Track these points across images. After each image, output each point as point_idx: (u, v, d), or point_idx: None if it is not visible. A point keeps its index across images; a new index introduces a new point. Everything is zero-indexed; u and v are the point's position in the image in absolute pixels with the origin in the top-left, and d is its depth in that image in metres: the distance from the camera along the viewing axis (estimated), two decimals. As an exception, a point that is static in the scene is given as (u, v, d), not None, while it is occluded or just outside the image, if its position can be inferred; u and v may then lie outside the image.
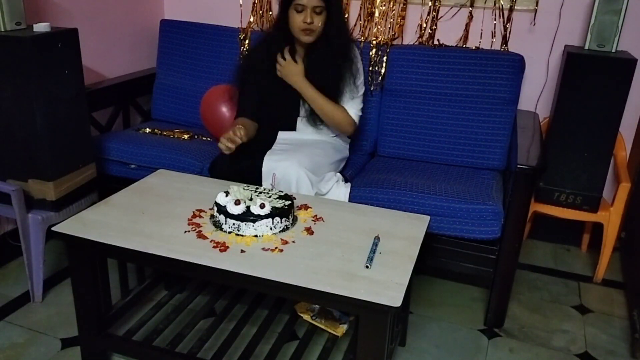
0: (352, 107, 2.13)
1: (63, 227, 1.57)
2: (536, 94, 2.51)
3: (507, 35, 2.44)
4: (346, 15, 2.61)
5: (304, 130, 2.15)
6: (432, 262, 2.04)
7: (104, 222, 1.61)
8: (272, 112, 2.13)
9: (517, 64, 2.28)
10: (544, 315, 2.14)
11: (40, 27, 1.89)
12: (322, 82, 2.06)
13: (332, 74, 2.06)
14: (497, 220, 1.91)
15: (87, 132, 2.11)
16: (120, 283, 1.94)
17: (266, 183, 1.94)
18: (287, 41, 2.05)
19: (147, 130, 2.53)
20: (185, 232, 1.57)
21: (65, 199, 2.03)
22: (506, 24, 2.43)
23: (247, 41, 2.62)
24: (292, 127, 2.15)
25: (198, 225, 1.60)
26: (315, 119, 2.12)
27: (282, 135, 2.13)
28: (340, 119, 2.10)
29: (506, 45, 2.45)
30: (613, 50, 2.18)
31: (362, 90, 2.18)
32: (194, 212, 1.68)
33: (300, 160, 1.92)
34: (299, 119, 2.15)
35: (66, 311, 1.99)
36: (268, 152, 1.99)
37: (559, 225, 2.56)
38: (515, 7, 2.40)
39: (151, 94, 2.79)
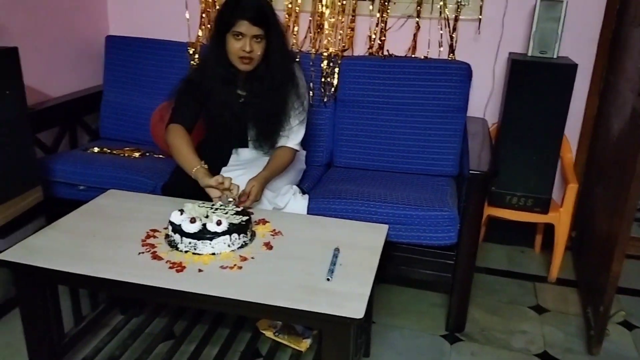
0: (296, 136, 2.06)
1: (8, 255, 1.50)
2: (484, 100, 2.58)
3: (454, 44, 2.50)
4: (295, 29, 2.62)
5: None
6: (392, 270, 2.04)
7: (52, 248, 1.54)
8: (222, 137, 2.06)
9: (464, 72, 2.33)
10: (503, 317, 2.18)
11: (-23, 46, 1.81)
12: (266, 110, 1.97)
13: (277, 101, 1.98)
14: (453, 225, 1.94)
15: (31, 155, 2.03)
16: (73, 310, 1.86)
17: (223, 198, 1.89)
18: (224, 67, 1.92)
19: (96, 149, 2.45)
20: (140, 253, 1.51)
21: (10, 225, 1.94)
22: (452, 33, 2.49)
23: (196, 55, 2.59)
24: (245, 146, 2.11)
25: (152, 245, 1.56)
26: (262, 145, 2.04)
27: (237, 152, 2.09)
28: (288, 162, 2.04)
29: (453, 54, 2.51)
30: (555, 56, 2.27)
31: (306, 111, 2.10)
32: (147, 232, 1.63)
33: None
34: (249, 141, 2.08)
35: (16, 342, 1.89)
36: (224, 169, 1.95)
37: (512, 228, 2.62)
38: (460, 17, 2.46)
39: (99, 112, 2.71)
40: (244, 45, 1.84)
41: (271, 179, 1.94)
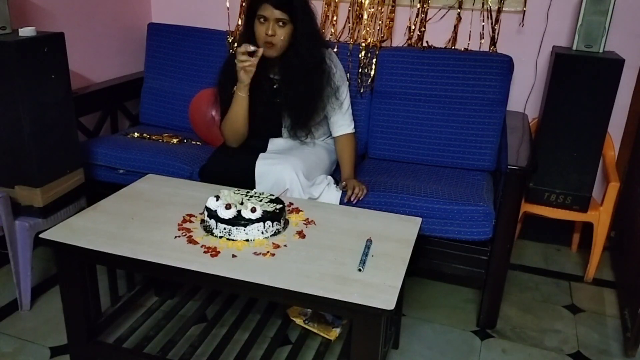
0: (347, 121, 2.14)
1: (51, 234, 1.55)
2: (525, 94, 2.52)
3: (496, 36, 2.45)
4: (334, 18, 2.61)
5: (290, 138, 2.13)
6: (424, 263, 2.03)
7: (93, 229, 1.58)
8: (256, 123, 2.06)
9: (505, 65, 2.29)
10: (536, 315, 2.15)
11: (26, 31, 1.86)
12: (299, 96, 1.98)
13: (309, 87, 1.99)
14: (488, 221, 1.91)
15: (74, 138, 2.09)
16: (110, 290, 1.92)
17: (260, 187, 1.92)
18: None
19: (136, 134, 2.50)
20: (176, 237, 1.55)
21: (53, 206, 2.00)
22: (494, 25, 2.44)
23: (235, 44, 2.61)
24: (279, 135, 2.12)
25: (188, 230, 1.59)
26: (296, 133, 2.07)
27: (272, 141, 2.11)
28: (356, 146, 2.21)
29: (494, 46, 2.46)
30: (600, 51, 2.20)
31: (348, 100, 2.15)
32: (184, 217, 1.66)
33: (294, 164, 1.90)
34: (283, 129, 2.11)
35: (55, 319, 1.97)
36: (261, 155, 1.97)
37: (549, 226, 2.57)
38: (504, 9, 2.41)
39: (139, 98, 2.76)
40: (267, 28, 1.87)
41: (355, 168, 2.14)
